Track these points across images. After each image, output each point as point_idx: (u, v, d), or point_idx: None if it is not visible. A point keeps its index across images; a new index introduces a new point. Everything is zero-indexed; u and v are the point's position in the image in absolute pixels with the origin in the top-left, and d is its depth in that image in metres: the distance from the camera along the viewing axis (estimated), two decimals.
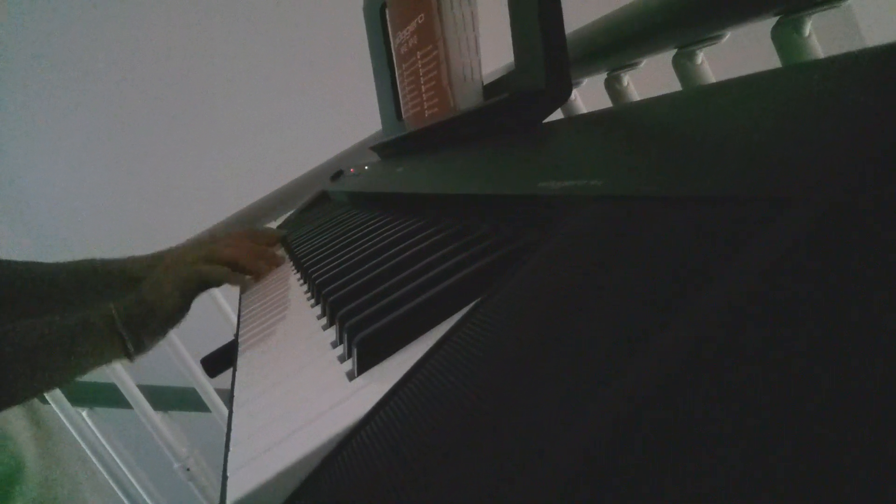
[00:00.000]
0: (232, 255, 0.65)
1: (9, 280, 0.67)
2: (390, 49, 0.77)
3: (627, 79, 0.77)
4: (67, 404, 1.21)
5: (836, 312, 0.11)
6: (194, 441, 1.26)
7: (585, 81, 0.87)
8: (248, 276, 0.66)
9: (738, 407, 0.11)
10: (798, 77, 0.20)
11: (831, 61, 0.19)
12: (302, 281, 0.55)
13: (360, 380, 0.27)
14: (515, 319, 0.19)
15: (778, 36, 0.51)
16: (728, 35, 0.58)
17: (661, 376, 0.12)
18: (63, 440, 0.70)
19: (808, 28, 0.50)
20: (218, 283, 0.63)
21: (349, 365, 0.29)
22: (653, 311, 0.14)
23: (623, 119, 0.33)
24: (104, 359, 0.57)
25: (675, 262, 0.15)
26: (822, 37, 0.50)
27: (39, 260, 0.73)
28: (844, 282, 0.11)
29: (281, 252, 0.78)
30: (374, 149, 0.90)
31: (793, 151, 0.15)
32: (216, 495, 1.22)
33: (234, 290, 0.69)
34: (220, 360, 0.63)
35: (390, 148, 0.83)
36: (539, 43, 0.42)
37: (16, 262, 0.70)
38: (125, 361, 0.59)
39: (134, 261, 0.73)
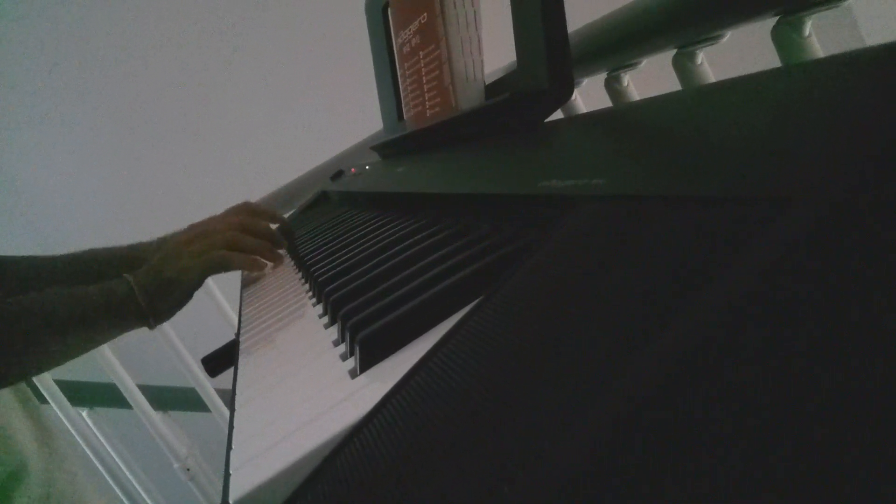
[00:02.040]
0: (252, 245, 0.66)
1: (13, 274, 0.68)
2: (392, 49, 0.77)
3: (627, 79, 0.77)
4: (67, 404, 1.21)
5: (836, 312, 0.11)
6: (194, 441, 1.26)
7: (585, 81, 0.87)
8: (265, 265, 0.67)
9: (737, 407, 0.11)
10: (798, 77, 0.21)
11: (831, 61, 0.19)
12: (303, 280, 0.55)
13: (361, 378, 0.27)
14: (517, 319, 0.19)
15: (778, 36, 0.51)
16: (728, 35, 0.58)
17: (662, 376, 0.12)
18: (64, 439, 0.70)
19: (808, 28, 0.50)
20: (239, 269, 0.65)
21: (351, 363, 0.29)
22: (653, 311, 0.14)
23: (623, 119, 0.33)
24: (127, 327, 0.59)
25: (676, 262, 0.15)
26: (822, 37, 0.50)
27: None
28: (844, 282, 0.11)
29: (281, 252, 0.78)
30: (375, 148, 0.90)
31: (793, 151, 0.15)
32: (216, 495, 1.22)
33: (234, 290, 0.69)
34: (221, 360, 0.63)
35: (391, 147, 0.83)
36: (541, 42, 0.42)
37: (17, 257, 0.71)
38: (119, 350, 0.62)
39: (139, 246, 0.75)
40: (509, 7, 0.46)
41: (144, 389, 1.21)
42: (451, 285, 0.30)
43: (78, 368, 0.64)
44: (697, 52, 0.62)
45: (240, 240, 0.66)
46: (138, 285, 0.59)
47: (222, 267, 0.63)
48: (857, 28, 1.69)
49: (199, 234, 0.65)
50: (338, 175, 1.03)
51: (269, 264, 0.68)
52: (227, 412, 1.21)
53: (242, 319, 0.54)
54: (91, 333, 0.57)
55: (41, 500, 0.62)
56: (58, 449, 0.67)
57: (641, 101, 0.36)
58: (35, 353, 0.54)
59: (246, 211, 0.76)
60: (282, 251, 0.71)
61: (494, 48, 0.58)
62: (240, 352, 0.43)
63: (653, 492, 0.11)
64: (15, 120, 1.94)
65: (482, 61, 0.55)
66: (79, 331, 0.55)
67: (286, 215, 1.18)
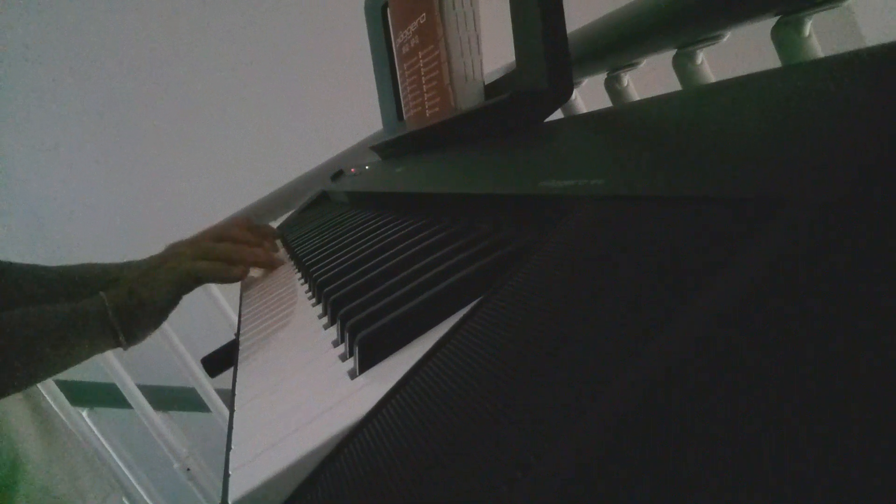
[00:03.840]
0: (227, 251, 0.65)
1: (13, 282, 0.68)
2: (391, 49, 0.77)
3: (627, 79, 0.77)
4: (67, 404, 1.21)
5: (832, 312, 0.11)
6: (194, 441, 1.26)
7: (585, 81, 0.87)
8: (241, 269, 0.66)
9: (737, 409, 0.11)
10: (798, 77, 0.21)
11: (831, 61, 0.19)
12: (303, 280, 0.55)
13: (361, 378, 0.27)
14: (516, 319, 0.19)
15: (778, 36, 0.51)
16: (728, 35, 0.58)
17: (660, 378, 0.12)
18: (63, 429, 0.70)
19: (808, 28, 0.50)
20: (214, 280, 0.64)
21: (350, 364, 0.29)
22: (652, 311, 0.14)
23: (623, 119, 0.33)
24: (97, 348, 0.58)
25: (674, 262, 0.15)
26: (822, 37, 0.50)
27: (35, 261, 0.73)
28: (839, 281, 0.11)
29: (281, 253, 0.78)
30: (375, 148, 0.90)
31: (792, 151, 0.15)
32: (216, 495, 1.22)
33: (234, 290, 0.69)
34: (221, 360, 0.63)
35: (391, 147, 0.83)
36: (540, 42, 0.42)
37: (18, 265, 0.70)
38: (119, 350, 0.60)
39: (130, 267, 0.73)
40: (509, 7, 0.46)
41: (144, 389, 1.21)
42: (450, 286, 0.30)
43: (78, 368, 0.63)
44: (697, 52, 0.62)
45: (211, 249, 0.65)
46: (111, 305, 0.57)
47: (193, 279, 0.62)
48: (857, 28, 1.69)
49: (173, 253, 0.64)
50: (338, 175, 1.03)
51: (242, 274, 0.67)
52: (227, 412, 1.21)
53: (242, 319, 0.54)
54: (61, 354, 0.55)
55: (42, 492, 0.62)
56: (58, 441, 0.67)
57: (641, 101, 0.36)
58: (2, 374, 0.52)
59: (231, 226, 0.74)
60: (273, 254, 0.70)
61: (494, 48, 0.58)
62: (239, 352, 0.43)
63: (650, 494, 0.11)
64: (13, 121, 1.94)
65: (481, 61, 0.55)
66: (47, 351, 0.53)
67: (286, 215, 1.18)
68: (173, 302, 0.62)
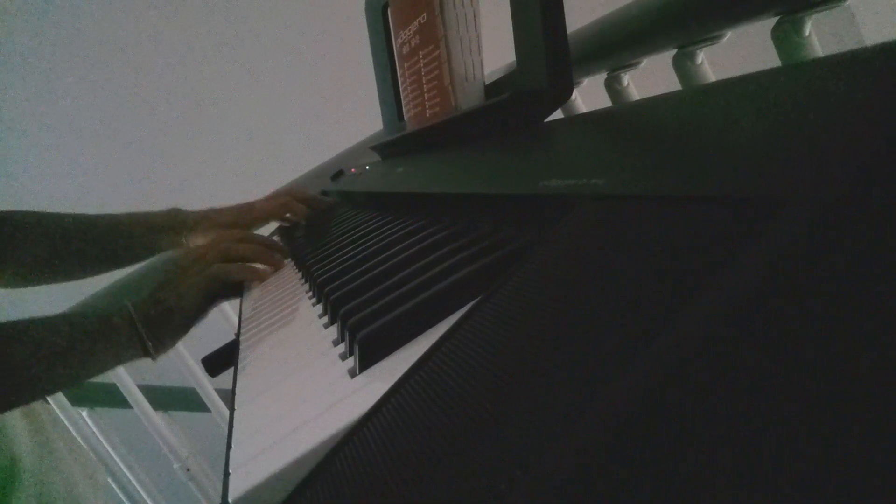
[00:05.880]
0: (247, 251, 0.66)
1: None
2: (392, 49, 0.77)
3: (627, 79, 0.77)
4: (67, 404, 1.21)
5: (833, 312, 0.11)
6: (194, 441, 1.26)
7: (585, 81, 0.87)
8: (264, 267, 0.67)
9: (736, 408, 0.11)
10: (797, 77, 0.21)
11: (831, 61, 0.19)
12: (303, 280, 0.55)
13: (361, 378, 0.27)
14: (516, 319, 0.19)
15: (778, 36, 0.51)
16: (728, 35, 0.58)
17: (660, 378, 0.12)
18: (59, 439, 0.70)
19: (808, 28, 0.50)
20: (238, 279, 0.64)
21: (350, 363, 0.29)
22: (652, 312, 0.14)
23: (623, 119, 0.33)
24: (124, 358, 0.57)
25: (674, 262, 0.15)
26: (822, 37, 0.50)
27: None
28: (839, 281, 0.11)
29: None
30: (375, 148, 0.90)
31: (791, 151, 0.15)
32: (216, 495, 1.22)
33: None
34: (221, 360, 0.63)
35: (391, 147, 0.83)
36: (541, 42, 0.42)
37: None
38: (148, 360, 0.59)
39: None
40: (509, 7, 0.46)
41: (144, 389, 1.21)
42: (450, 285, 0.30)
43: None
44: (697, 52, 0.62)
45: (234, 249, 0.65)
46: (138, 314, 0.56)
47: (220, 280, 0.62)
48: (857, 28, 1.69)
49: (195, 257, 0.65)
50: (338, 175, 1.03)
51: (269, 270, 0.68)
52: (227, 412, 1.21)
53: (242, 319, 0.54)
54: (85, 365, 0.54)
55: (37, 501, 0.61)
56: (53, 450, 0.67)
57: (641, 100, 0.36)
58: (21, 385, 0.50)
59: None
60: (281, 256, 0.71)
61: (494, 48, 0.58)
62: (240, 352, 0.43)
63: (650, 494, 0.11)
64: (13, 118, 1.94)
65: (482, 61, 0.55)
66: (71, 362, 0.53)
67: (286, 215, 1.18)
68: (201, 307, 0.62)
